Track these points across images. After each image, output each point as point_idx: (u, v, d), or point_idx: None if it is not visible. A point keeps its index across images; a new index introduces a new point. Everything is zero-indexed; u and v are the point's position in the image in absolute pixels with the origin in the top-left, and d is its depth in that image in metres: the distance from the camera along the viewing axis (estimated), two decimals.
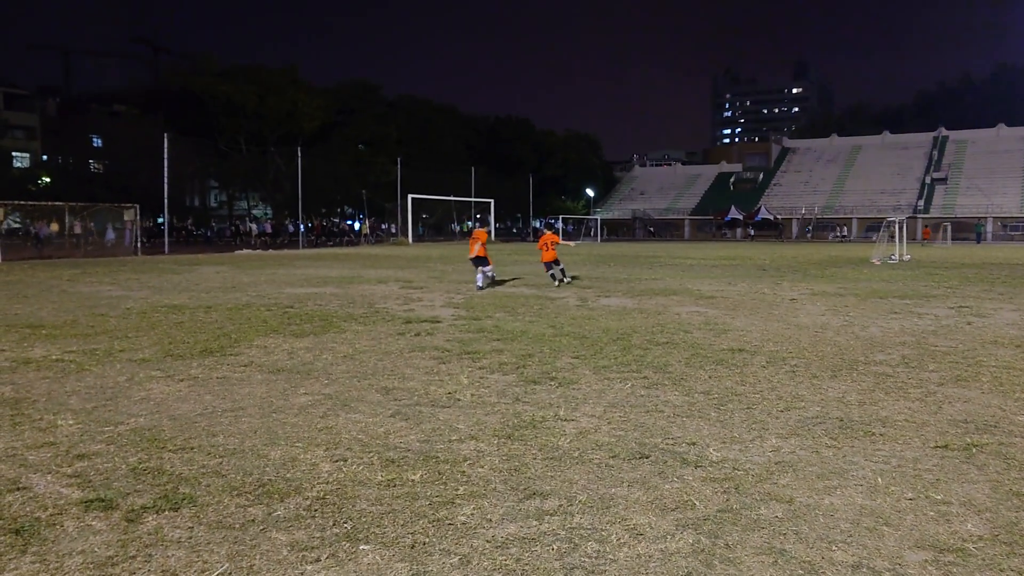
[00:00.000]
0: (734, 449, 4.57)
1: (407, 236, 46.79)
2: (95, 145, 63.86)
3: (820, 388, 6.14)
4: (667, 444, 4.66)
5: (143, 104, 60.77)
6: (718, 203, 79.92)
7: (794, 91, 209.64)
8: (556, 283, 15.40)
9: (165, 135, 32.90)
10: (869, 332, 9.14)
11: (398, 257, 28.80)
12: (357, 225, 60.33)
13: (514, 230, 78.92)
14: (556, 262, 15.68)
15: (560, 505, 3.67)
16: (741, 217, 74.00)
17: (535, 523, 3.46)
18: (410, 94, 75.32)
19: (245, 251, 34.43)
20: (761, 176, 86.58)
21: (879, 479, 4.04)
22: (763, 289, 14.82)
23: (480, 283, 14.58)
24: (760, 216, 72.82)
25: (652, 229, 79.87)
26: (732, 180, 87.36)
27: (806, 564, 3.06)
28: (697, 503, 3.72)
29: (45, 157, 66.09)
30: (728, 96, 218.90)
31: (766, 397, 5.84)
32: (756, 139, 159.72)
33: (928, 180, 76.26)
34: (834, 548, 3.20)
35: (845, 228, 71.96)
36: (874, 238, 34.03)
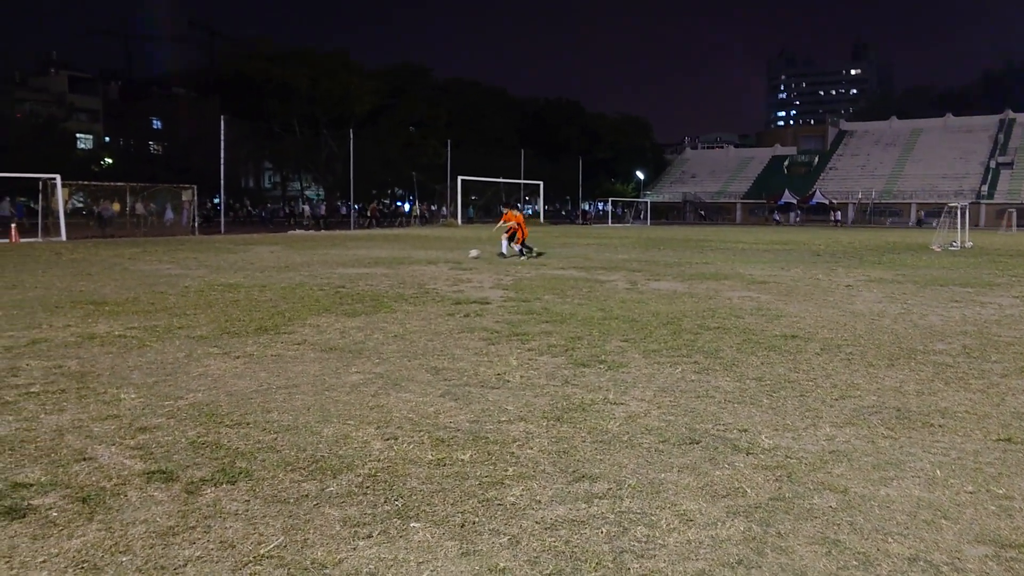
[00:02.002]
0: (787, 437, 4.50)
1: (456, 218, 46.99)
2: (155, 127, 65.54)
3: (876, 377, 5.99)
4: (718, 430, 4.61)
5: (200, 87, 62.00)
6: (771, 187, 78.31)
7: (852, 72, 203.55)
8: (523, 256, 17.44)
9: (222, 117, 33.54)
10: (928, 320, 8.89)
11: (448, 239, 28.95)
12: (407, 207, 60.82)
13: (563, 212, 78.59)
14: (512, 239, 17.75)
15: (609, 488, 3.67)
16: (795, 201, 72.44)
17: (584, 506, 3.47)
18: (460, 77, 75.39)
19: (298, 231, 35.00)
20: (816, 159, 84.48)
21: (938, 471, 3.94)
22: (817, 275, 14.51)
23: (504, 250, 17.52)
24: (815, 200, 71.17)
25: (703, 213, 78.73)
26: (786, 163, 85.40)
27: (860, 555, 3.00)
28: (748, 490, 3.67)
29: (108, 139, 68.00)
30: (783, 78, 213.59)
31: (820, 385, 5.73)
32: (812, 122, 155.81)
33: (993, 164, 73.43)
34: (890, 540, 3.14)
35: (839, 213, 69.39)
36: (934, 224, 33.00)
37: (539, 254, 18.55)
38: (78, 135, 64.81)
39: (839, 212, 69.45)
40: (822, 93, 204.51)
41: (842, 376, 6.00)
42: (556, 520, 3.31)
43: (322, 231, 36.27)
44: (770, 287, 12.22)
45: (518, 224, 17.69)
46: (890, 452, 4.23)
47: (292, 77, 54.23)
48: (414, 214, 51.39)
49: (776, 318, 8.94)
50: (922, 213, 67.78)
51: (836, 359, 6.65)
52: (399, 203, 67.54)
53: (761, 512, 3.42)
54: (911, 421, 4.81)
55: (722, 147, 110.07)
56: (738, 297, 10.84)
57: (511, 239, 17.70)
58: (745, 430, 4.62)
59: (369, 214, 47.36)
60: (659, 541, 3.12)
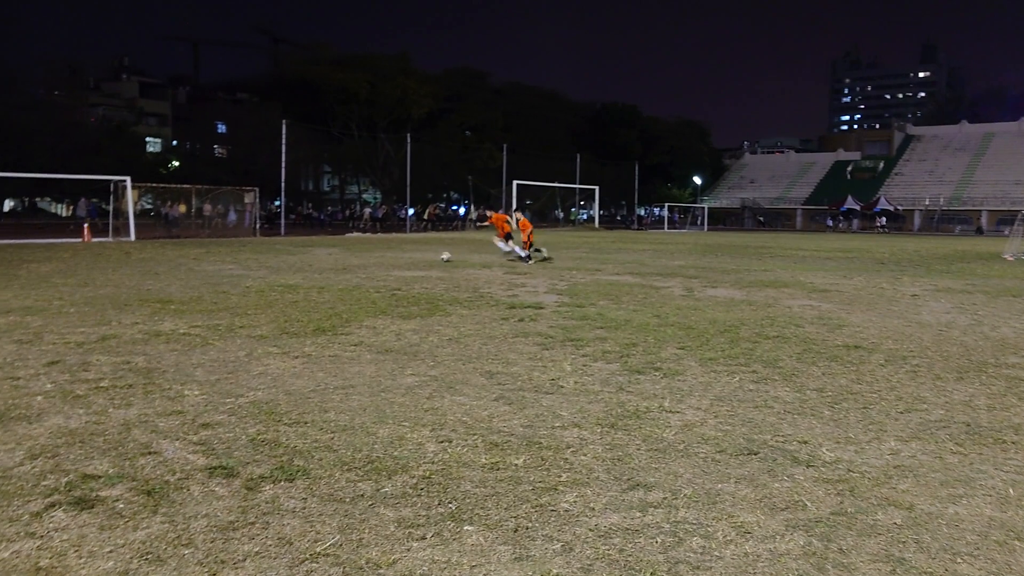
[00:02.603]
0: (849, 450, 4.37)
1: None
2: (219, 131, 67.31)
3: (944, 390, 5.78)
4: (777, 441, 4.51)
5: (263, 92, 63.51)
6: (834, 192, 76.52)
7: (920, 75, 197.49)
8: (530, 260, 17.45)
9: (284, 122, 34.29)
10: (1000, 332, 8.55)
11: None
12: (462, 210, 61.22)
13: (618, 217, 78.11)
14: (508, 236, 18.03)
15: (664, 498, 3.62)
16: (858, 207, 70.62)
17: (639, 514, 3.42)
18: (516, 81, 75.61)
19: (355, 234, 35.56)
20: (881, 165, 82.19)
21: (1011, 490, 3.78)
22: (881, 284, 14.10)
23: (506, 249, 17.78)
24: (880, 207, 69.28)
25: (762, 219, 77.31)
26: (849, 169, 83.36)
27: (927, 575, 2.89)
28: (809, 504, 3.58)
29: (175, 142, 70.16)
30: (847, 80, 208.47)
31: (884, 397, 5.56)
32: (877, 126, 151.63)
33: None
34: (959, 560, 3.02)
35: (885, 219, 67.03)
36: (1006, 232, 31.75)
37: (545, 258, 18.41)
38: (147, 139, 67.01)
39: (884, 219, 67.51)
40: (888, 96, 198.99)
41: (908, 389, 5.81)
42: (610, 528, 3.28)
43: (379, 234, 36.78)
44: (832, 296, 11.91)
45: (520, 226, 17.92)
46: (959, 469, 4.08)
47: (351, 81, 55.15)
48: (469, 218, 51.71)
49: (838, 328, 8.71)
50: (982, 221, 65.36)
51: (901, 371, 6.45)
52: (454, 207, 68.02)
53: (822, 527, 3.32)
54: (982, 437, 4.63)
55: (782, 152, 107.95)
56: (798, 306, 10.60)
57: (507, 238, 18.05)
58: (805, 442, 4.51)
59: (426, 217, 47.81)
60: (715, 553, 3.06)
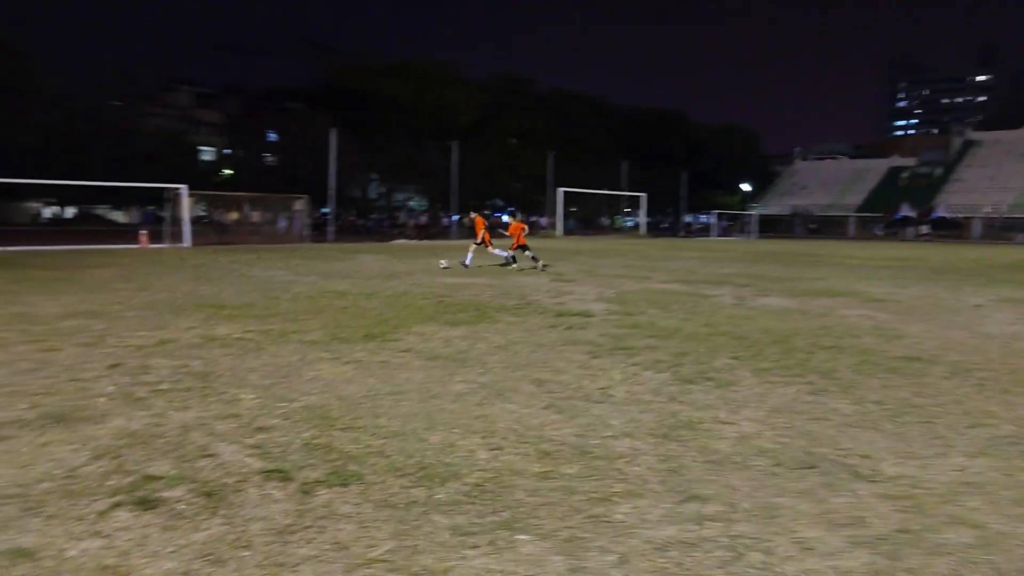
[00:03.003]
0: (912, 465, 4.24)
1: (557, 229, 47.04)
2: (269, 139, 68.64)
3: (1014, 405, 5.57)
4: (836, 455, 4.39)
5: (311, 101, 64.58)
6: (888, 200, 74.68)
7: (979, 79, 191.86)
8: (514, 263, 17.64)
9: (334, 130, 34.79)
10: None
11: (547, 250, 28.94)
12: (506, 218, 61.37)
13: (663, 225, 77.45)
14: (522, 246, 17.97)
15: (721, 511, 3.55)
16: (914, 215, 68.80)
17: (695, 527, 3.36)
18: (561, 88, 75.53)
19: (401, 241, 35.89)
20: (939, 171, 80.00)
21: None
22: (941, 293, 13.69)
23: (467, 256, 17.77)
24: (937, 214, 67.39)
25: (813, 226, 75.84)
26: (905, 175, 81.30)
27: None
28: (872, 520, 3.48)
29: (227, 151, 71.78)
30: (902, 85, 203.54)
31: (949, 411, 5.38)
32: (934, 131, 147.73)
33: None
34: None
35: (927, 227, 64.69)
36: None
37: (544, 267, 17.94)
38: (201, 147, 68.71)
39: (926, 226, 65.57)
40: (945, 101, 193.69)
41: (974, 402, 5.61)
42: (667, 541, 3.23)
43: (424, 241, 37.07)
44: (889, 306, 11.61)
45: (510, 231, 18.07)
46: None
47: (397, 90, 55.75)
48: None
49: (896, 338, 8.47)
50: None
51: (966, 384, 6.24)
52: (497, 214, 68.17)
53: (887, 545, 3.22)
54: None
55: (834, 158, 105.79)
56: (854, 315, 10.35)
57: (480, 243, 18.05)
58: (866, 456, 4.38)
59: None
60: (776, 569, 2.98)
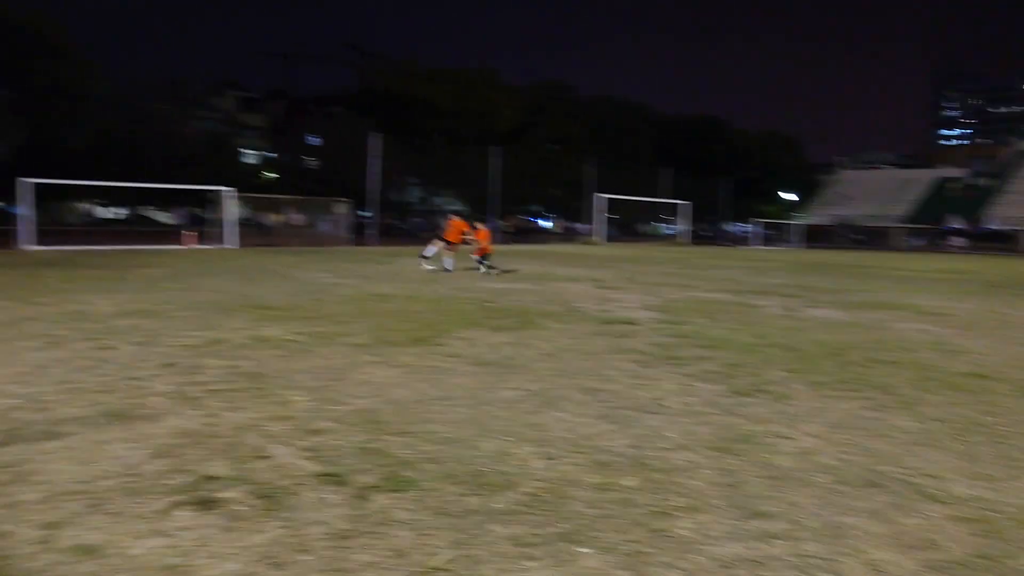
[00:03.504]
0: (983, 487, 4.08)
1: (598, 235, 46.87)
2: (311, 143, 69.57)
3: None
4: (902, 474, 4.25)
5: (353, 105, 65.32)
6: (936, 211, 73.05)
7: None
8: (481, 269, 17.16)
9: (377, 134, 35.12)
10: None
11: (589, 256, 28.89)
12: (546, 223, 61.35)
13: (703, 233, 76.67)
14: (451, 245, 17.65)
15: (787, 529, 3.44)
16: (963, 227, 67.16)
17: (761, 545, 3.26)
18: (602, 94, 75.33)
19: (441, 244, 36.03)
20: (990, 182, 77.99)
21: None
22: (1000, 308, 13.29)
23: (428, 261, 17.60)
24: (987, 226, 65.69)
25: (859, 237, 74.38)
26: (953, 186, 79.43)
27: None
28: (947, 544, 3.34)
29: (271, 154, 72.89)
30: (951, 94, 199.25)
31: (1019, 431, 5.18)
32: (984, 141, 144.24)
33: None
34: None
35: (963, 239, 63.04)
36: None
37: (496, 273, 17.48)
38: (245, 150, 69.88)
39: (962, 238, 63.97)
40: (995, 110, 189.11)
41: None
42: (733, 558, 3.14)
43: (464, 245, 37.10)
44: (946, 319, 11.29)
45: (478, 236, 17.50)
46: None
47: (438, 95, 56.15)
48: (555, 231, 51.71)
49: (956, 354, 8.22)
50: None
51: None
52: (536, 219, 68.19)
53: (965, 571, 3.10)
54: None
55: (880, 167, 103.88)
56: (910, 329, 10.08)
57: (449, 247, 17.65)
58: (933, 476, 4.23)
59: (510, 229, 48.09)
60: None
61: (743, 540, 3.31)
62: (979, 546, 3.33)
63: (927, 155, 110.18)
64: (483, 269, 17.18)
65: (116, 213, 57.13)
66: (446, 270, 17.29)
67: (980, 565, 3.15)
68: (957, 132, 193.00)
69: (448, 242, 17.76)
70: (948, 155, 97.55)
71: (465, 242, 17.88)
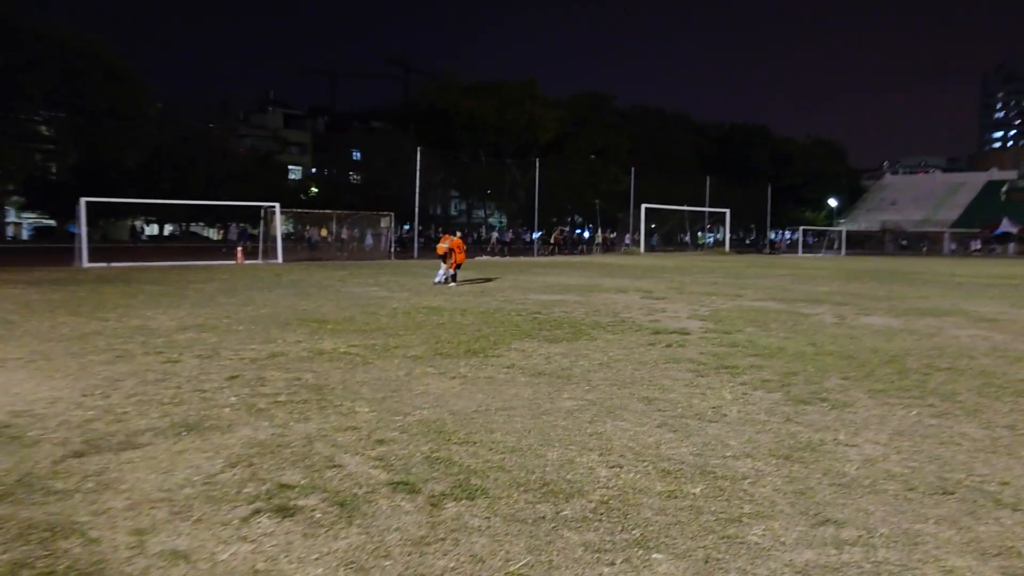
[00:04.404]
0: None
1: (639, 246, 46.68)
2: (354, 158, 70.67)
3: None
4: (972, 481, 4.20)
5: (395, 120, 66.18)
6: (986, 215, 71.16)
7: None
8: (448, 283, 16.95)
9: (418, 149, 35.55)
10: None
11: (632, 267, 28.79)
12: (587, 234, 61.25)
13: (747, 241, 75.79)
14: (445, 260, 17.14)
15: (859, 536, 3.44)
16: (1015, 231, 65.28)
17: (834, 552, 3.27)
18: (642, 104, 75.15)
19: (484, 257, 36.25)
20: None
21: None
22: None
23: (438, 278, 17.06)
24: None
25: (905, 242, 72.83)
26: (1005, 189, 77.37)
27: None
28: None
29: (314, 170, 74.16)
30: (1000, 95, 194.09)
31: None
32: None
33: None
34: None
35: (979, 242, 61.43)
36: None
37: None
38: (289, 166, 71.21)
39: (996, 244, 62.50)
40: None
41: None
42: (806, 565, 3.15)
43: (506, 257, 37.34)
44: (1003, 326, 11.04)
45: (451, 249, 17.15)
46: None
47: (480, 108, 56.54)
48: (596, 241, 51.60)
49: (1017, 360, 8.05)
50: None
51: None
52: (578, 230, 68.12)
53: None
54: None
55: (927, 172, 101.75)
56: (966, 336, 9.89)
57: (443, 261, 17.27)
58: (1006, 483, 4.18)
59: (552, 241, 48.13)
60: None
61: (816, 547, 3.32)
62: None
63: (977, 157, 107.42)
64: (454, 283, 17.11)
65: (165, 230, 58.59)
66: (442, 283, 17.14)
67: None
68: (1007, 134, 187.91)
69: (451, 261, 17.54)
70: (998, 157, 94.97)
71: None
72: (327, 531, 3.42)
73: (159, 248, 39.61)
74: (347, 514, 3.61)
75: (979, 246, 65.12)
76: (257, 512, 3.63)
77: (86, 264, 22.46)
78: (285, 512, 3.63)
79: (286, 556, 3.18)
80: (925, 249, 67.08)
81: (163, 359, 7.48)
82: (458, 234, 19.67)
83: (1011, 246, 65.52)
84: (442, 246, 17.58)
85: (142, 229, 55.41)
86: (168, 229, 59.55)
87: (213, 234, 59.49)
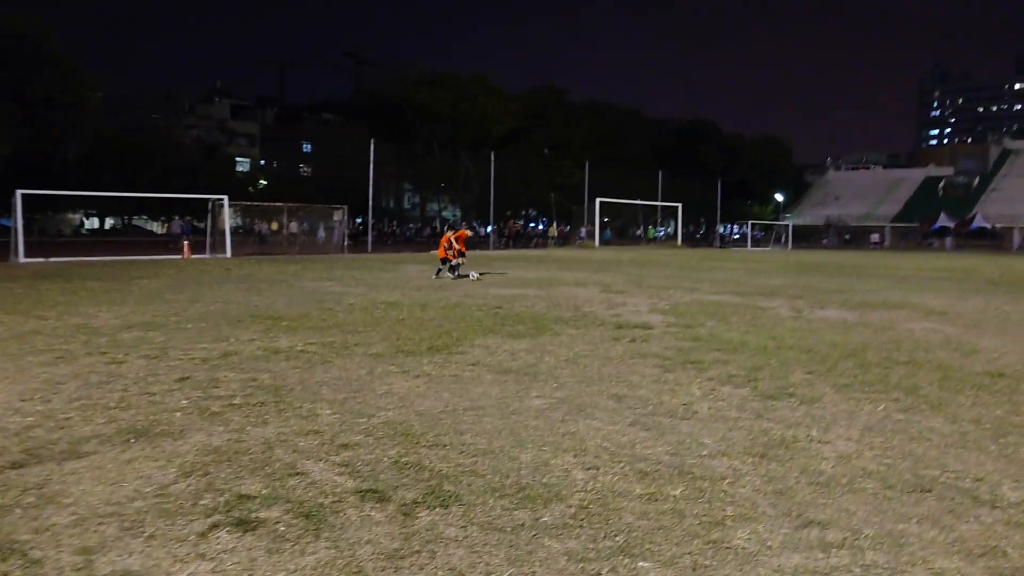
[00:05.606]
0: None
1: (594, 239, 46.82)
2: (305, 150, 69.51)
3: None
4: (948, 478, 4.18)
5: (347, 112, 65.22)
6: (924, 210, 73.34)
7: (1016, 87, 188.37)
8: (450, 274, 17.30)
9: (372, 141, 34.96)
10: None
11: (588, 260, 28.80)
12: (541, 227, 61.29)
13: (698, 235, 76.77)
14: (444, 260, 17.53)
15: (845, 538, 3.36)
16: (952, 225, 67.43)
17: (821, 555, 3.18)
18: (596, 98, 75.43)
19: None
20: (977, 181, 78.43)
21: None
22: (1003, 306, 13.28)
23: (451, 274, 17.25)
24: (976, 225, 66.02)
25: (848, 236, 74.62)
26: (941, 185, 79.80)
27: None
28: (1009, 550, 3.27)
29: (263, 162, 72.70)
30: (937, 94, 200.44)
31: None
32: (969, 140, 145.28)
33: None
34: None
35: (878, 235, 65.07)
36: None
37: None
38: (237, 158, 69.66)
39: (878, 234, 65.61)
40: (981, 109, 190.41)
41: None
42: (795, 570, 3.06)
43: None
44: (952, 318, 11.27)
45: (450, 243, 17.55)
46: None
47: (434, 101, 56.04)
48: (551, 235, 51.62)
49: (972, 353, 8.18)
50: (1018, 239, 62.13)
51: None
52: (533, 224, 68.15)
53: None
54: None
55: (868, 168, 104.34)
56: (920, 329, 10.05)
57: (450, 257, 17.56)
58: (980, 479, 4.17)
59: (507, 233, 47.98)
60: None
61: (803, 551, 3.23)
62: None
63: (915, 154, 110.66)
64: (440, 275, 17.36)
65: (107, 224, 56.78)
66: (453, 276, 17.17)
67: None
68: (943, 131, 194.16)
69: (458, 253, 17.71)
70: (936, 154, 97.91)
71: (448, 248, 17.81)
72: (293, 546, 3.20)
73: (100, 242, 38.23)
74: (313, 526, 3.40)
75: (878, 239, 68.05)
76: (215, 526, 3.39)
77: (22, 260, 21.54)
78: (246, 526, 3.40)
79: (249, 575, 2.96)
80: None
81: (108, 360, 7.10)
82: (463, 226, 19.77)
83: (948, 240, 67.72)
84: (444, 247, 17.64)
85: (82, 223, 53.58)
86: (110, 223, 57.72)
87: (157, 228, 57.84)
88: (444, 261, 17.63)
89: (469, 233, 18.88)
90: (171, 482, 3.95)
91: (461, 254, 17.70)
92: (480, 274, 17.60)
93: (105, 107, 49.13)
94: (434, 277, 17.31)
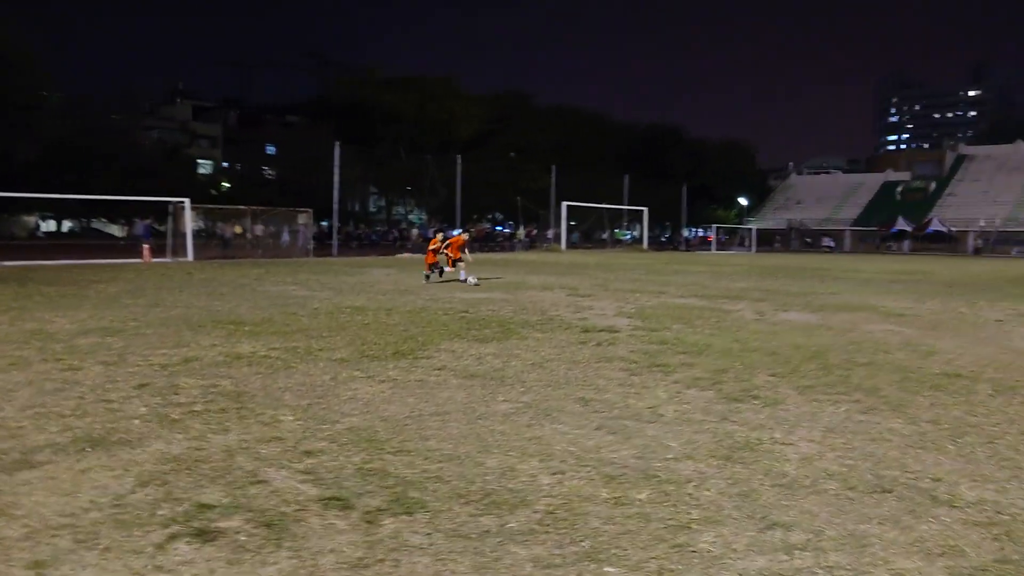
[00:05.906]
0: (989, 489, 4.09)
1: (560, 242, 46.97)
2: (268, 152, 68.60)
3: None
4: (908, 478, 4.25)
5: (312, 114, 64.58)
6: (883, 214, 74.90)
7: (971, 94, 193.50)
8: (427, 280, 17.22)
9: (337, 143, 34.68)
10: None
11: (555, 264, 28.88)
12: (507, 230, 61.34)
13: (663, 239, 77.46)
14: (433, 266, 17.50)
15: (808, 540, 3.39)
16: (909, 229, 68.98)
17: (785, 558, 3.20)
18: (563, 103, 75.89)
19: (406, 255, 35.71)
20: (933, 186, 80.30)
21: None
22: (959, 308, 13.59)
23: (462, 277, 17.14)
24: (932, 228, 67.61)
25: (810, 240, 75.92)
26: (899, 190, 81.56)
27: None
28: (967, 549, 3.32)
29: (225, 164, 71.66)
30: (894, 100, 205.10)
31: (1007, 431, 5.24)
32: (926, 145, 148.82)
33: None
34: None
35: (832, 240, 67.82)
36: None
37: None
38: (199, 160, 68.58)
39: (831, 239, 67.77)
40: (937, 116, 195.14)
41: None
42: (759, 572, 3.07)
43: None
44: (911, 320, 11.49)
45: (450, 246, 17.58)
46: None
47: (399, 103, 55.82)
48: (518, 238, 51.67)
49: (929, 355, 8.35)
50: (979, 241, 64.32)
51: (1015, 402, 6.11)
52: (499, 227, 68.16)
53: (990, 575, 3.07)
54: None
55: (829, 172, 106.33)
56: (880, 331, 10.23)
57: (457, 261, 17.55)
58: (938, 479, 4.24)
59: (474, 236, 47.89)
60: None
61: (767, 553, 3.25)
62: (999, 551, 3.32)
63: (874, 159, 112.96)
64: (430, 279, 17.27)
65: (64, 227, 55.51)
66: (473, 282, 17.01)
67: (1006, 571, 3.13)
68: (901, 137, 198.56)
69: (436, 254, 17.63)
70: (894, 160, 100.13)
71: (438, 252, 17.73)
72: (254, 556, 3.14)
73: (57, 246, 37.35)
74: (275, 536, 3.33)
75: (831, 243, 69.77)
76: (174, 537, 3.31)
77: None
78: (205, 536, 3.32)
79: None
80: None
81: (63, 366, 6.92)
82: (457, 232, 19.64)
83: (906, 243, 69.23)
84: (441, 249, 17.45)
85: (38, 226, 52.32)
86: (67, 226, 56.43)
87: (117, 231, 56.66)
88: (433, 267, 17.33)
89: (466, 238, 18.51)
90: (128, 492, 3.85)
91: (456, 260, 17.36)
92: (478, 280, 17.26)
93: (63, 107, 48.03)
94: (424, 282, 17.06)
